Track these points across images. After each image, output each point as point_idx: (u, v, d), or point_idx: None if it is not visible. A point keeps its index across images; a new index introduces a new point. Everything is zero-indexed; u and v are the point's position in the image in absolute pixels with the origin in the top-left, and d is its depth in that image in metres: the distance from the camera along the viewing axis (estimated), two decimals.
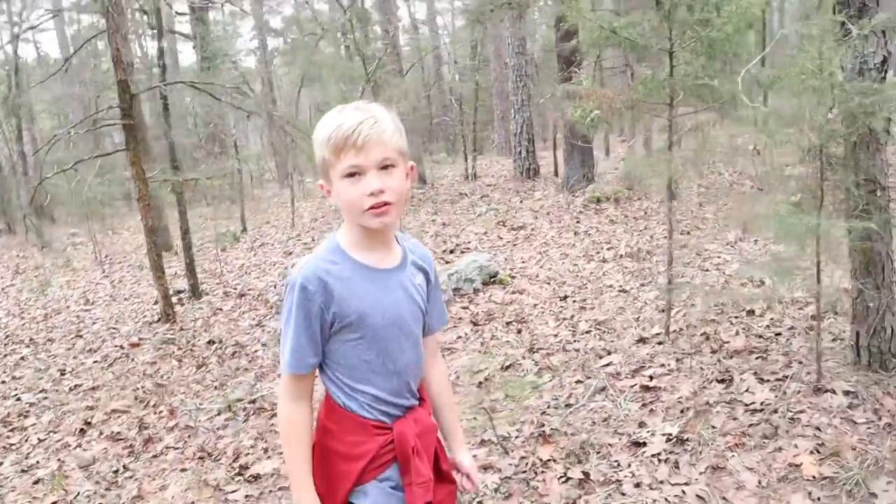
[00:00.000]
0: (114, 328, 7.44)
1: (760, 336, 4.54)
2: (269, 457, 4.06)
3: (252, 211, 16.05)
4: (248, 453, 4.17)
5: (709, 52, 4.07)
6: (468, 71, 20.64)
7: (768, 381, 3.78)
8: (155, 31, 22.71)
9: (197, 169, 17.48)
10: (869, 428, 3.23)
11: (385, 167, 1.50)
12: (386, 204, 1.50)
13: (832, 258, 3.47)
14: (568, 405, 3.94)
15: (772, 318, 4.81)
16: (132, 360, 6.24)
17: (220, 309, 7.50)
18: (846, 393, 3.50)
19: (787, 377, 3.81)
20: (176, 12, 22.72)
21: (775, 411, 3.44)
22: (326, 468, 1.61)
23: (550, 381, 4.34)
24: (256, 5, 29.82)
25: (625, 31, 4.09)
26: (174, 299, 7.98)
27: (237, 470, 3.95)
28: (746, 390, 3.71)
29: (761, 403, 3.54)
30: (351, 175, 1.49)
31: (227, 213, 14.82)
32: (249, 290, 8.09)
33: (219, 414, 4.80)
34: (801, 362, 3.91)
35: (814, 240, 3.28)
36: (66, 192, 11.91)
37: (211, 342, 6.36)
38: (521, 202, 11.41)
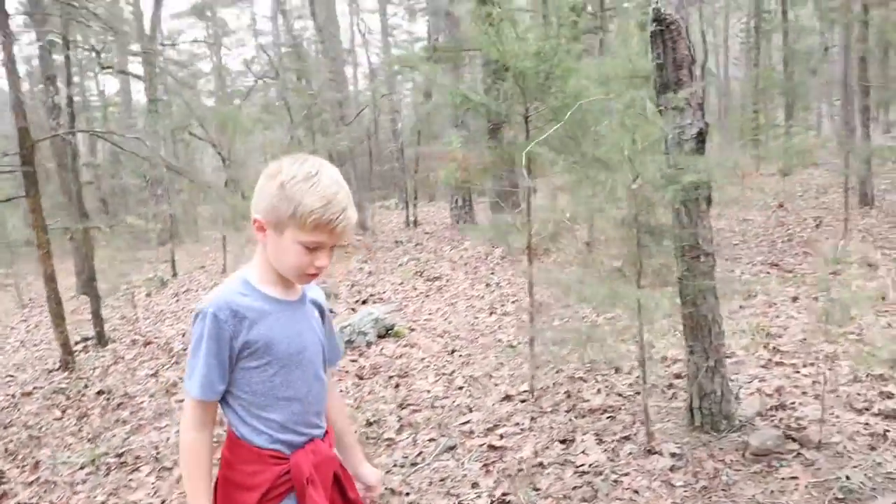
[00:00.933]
0: (12, 376, 7.31)
1: (620, 395, 4.62)
2: None
3: (191, 255, 15.97)
4: None
5: (557, 119, 4.20)
6: (423, 118, 20.93)
7: (606, 442, 3.84)
8: (109, 69, 22.67)
9: (138, 211, 17.42)
10: (685, 491, 3.29)
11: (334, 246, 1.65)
12: (319, 273, 1.66)
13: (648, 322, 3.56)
14: (414, 464, 3.96)
15: (637, 377, 4.89)
16: (18, 409, 6.13)
17: (122, 357, 7.42)
18: (672, 455, 3.57)
19: (625, 438, 3.87)
20: (129, 52, 22.86)
21: (600, 473, 3.50)
22: (224, 497, 1.68)
23: (407, 438, 4.35)
24: (214, 48, 30.10)
25: (480, 96, 4.22)
26: (80, 346, 7.89)
27: None
28: (582, 451, 3.77)
29: (590, 465, 3.59)
30: (309, 247, 1.59)
31: (166, 257, 14.70)
32: (156, 338, 8.01)
33: (82, 468, 4.73)
34: (643, 423, 3.98)
35: (626, 306, 3.37)
36: None
37: (100, 392, 6.28)
38: (450, 250, 11.50)
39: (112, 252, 10.42)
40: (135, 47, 20.85)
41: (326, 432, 1.80)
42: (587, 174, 3.34)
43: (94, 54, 19.44)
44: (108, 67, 23.65)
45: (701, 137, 3.55)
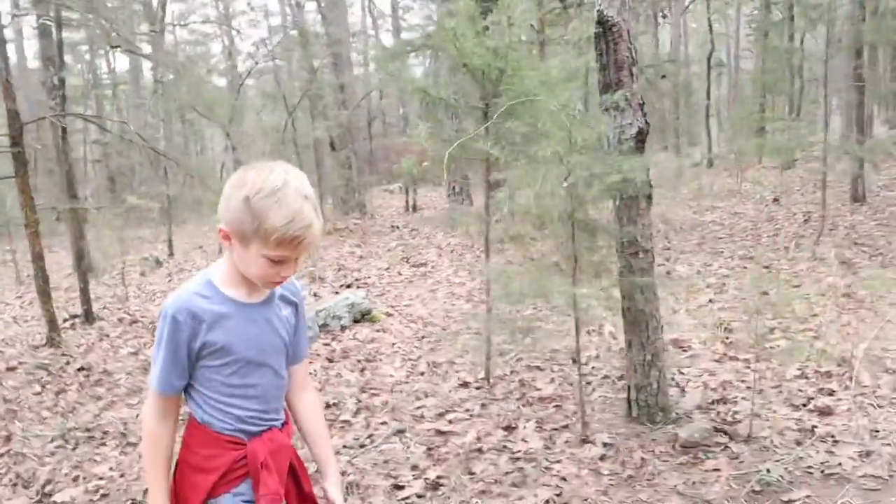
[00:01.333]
0: (0, 351, 7.51)
1: (572, 385, 4.74)
2: (76, 484, 4.18)
3: (193, 235, 16.19)
4: (59, 481, 4.28)
5: (516, 117, 4.30)
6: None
7: (546, 430, 3.97)
8: (117, 48, 22.85)
9: (140, 190, 17.67)
10: (611, 479, 3.42)
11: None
12: (284, 281, 1.72)
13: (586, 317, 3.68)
14: (362, 445, 4.10)
15: (593, 367, 5.01)
16: (1, 384, 6.32)
17: (108, 335, 7.60)
18: (605, 444, 3.70)
19: (564, 427, 4.00)
20: (136, 32, 23.04)
21: (533, 460, 3.63)
22: (181, 480, 1.75)
23: (362, 421, 4.50)
24: (225, 28, 30.20)
25: (438, 91, 4.33)
26: (68, 324, 8.08)
27: (39, 498, 4.06)
28: (522, 439, 3.90)
29: (526, 452, 3.72)
30: (273, 260, 1.61)
31: (165, 237, 14.90)
32: (143, 317, 8.21)
33: (52, 441, 4.90)
34: (585, 412, 4.11)
35: (560, 300, 3.49)
36: None
37: (81, 369, 6.46)
38: (442, 237, 11.62)
39: (109, 231, 10.61)
40: (142, 27, 21.02)
41: (285, 422, 1.86)
42: (526, 171, 3.45)
43: (101, 33, 19.73)
44: (117, 46, 23.89)
45: (640, 137, 3.65)
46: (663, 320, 5.83)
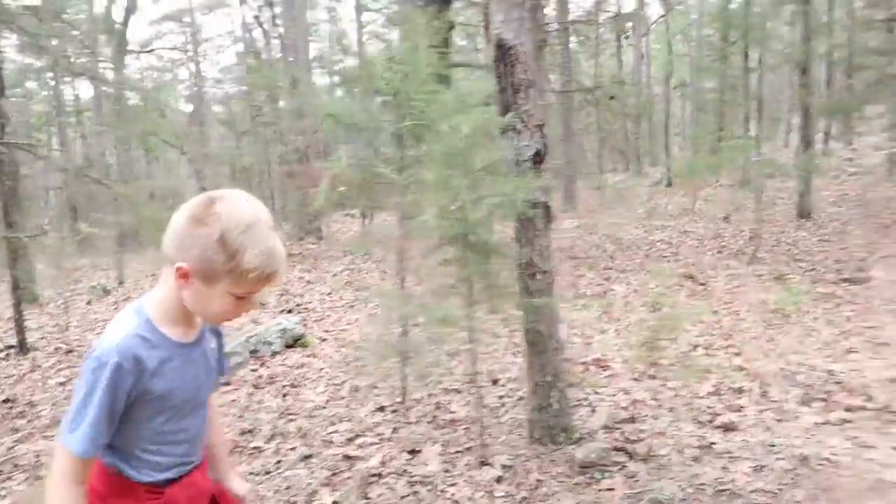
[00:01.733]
0: None
1: (485, 407, 4.72)
2: None
3: (151, 262, 16.02)
4: None
5: (420, 140, 4.32)
6: None
7: (449, 453, 3.95)
8: (81, 75, 22.66)
9: (94, 218, 17.48)
10: (505, 501, 3.40)
11: None
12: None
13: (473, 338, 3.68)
14: (267, 472, 4.05)
15: (511, 388, 5.01)
16: None
17: (40, 366, 7.47)
18: (503, 466, 3.68)
19: (467, 450, 3.99)
20: (98, 60, 22.96)
21: (430, 483, 3.60)
22: None
23: (273, 447, 4.45)
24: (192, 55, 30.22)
25: (348, 116, 4.35)
26: (2, 354, 7.93)
27: None
28: (423, 462, 3.87)
29: (425, 476, 3.70)
30: (241, 297, 1.51)
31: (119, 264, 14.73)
32: (80, 346, 8.08)
33: None
34: (490, 434, 4.10)
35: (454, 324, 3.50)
36: None
37: (6, 401, 6.33)
38: (399, 261, 11.60)
39: (49, 259, 10.48)
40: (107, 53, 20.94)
41: (203, 457, 1.79)
42: (419, 195, 3.47)
43: (60, 60, 19.63)
44: (80, 74, 23.77)
45: (537, 158, 3.68)
46: (591, 339, 5.88)
